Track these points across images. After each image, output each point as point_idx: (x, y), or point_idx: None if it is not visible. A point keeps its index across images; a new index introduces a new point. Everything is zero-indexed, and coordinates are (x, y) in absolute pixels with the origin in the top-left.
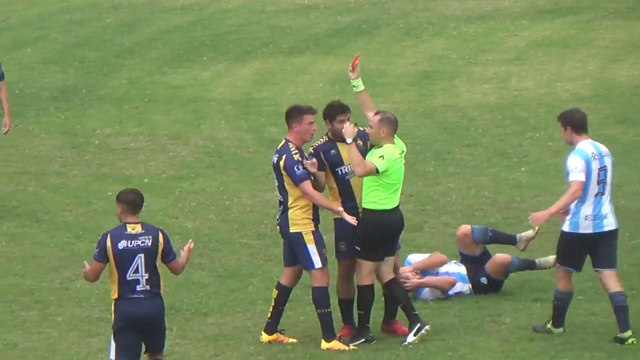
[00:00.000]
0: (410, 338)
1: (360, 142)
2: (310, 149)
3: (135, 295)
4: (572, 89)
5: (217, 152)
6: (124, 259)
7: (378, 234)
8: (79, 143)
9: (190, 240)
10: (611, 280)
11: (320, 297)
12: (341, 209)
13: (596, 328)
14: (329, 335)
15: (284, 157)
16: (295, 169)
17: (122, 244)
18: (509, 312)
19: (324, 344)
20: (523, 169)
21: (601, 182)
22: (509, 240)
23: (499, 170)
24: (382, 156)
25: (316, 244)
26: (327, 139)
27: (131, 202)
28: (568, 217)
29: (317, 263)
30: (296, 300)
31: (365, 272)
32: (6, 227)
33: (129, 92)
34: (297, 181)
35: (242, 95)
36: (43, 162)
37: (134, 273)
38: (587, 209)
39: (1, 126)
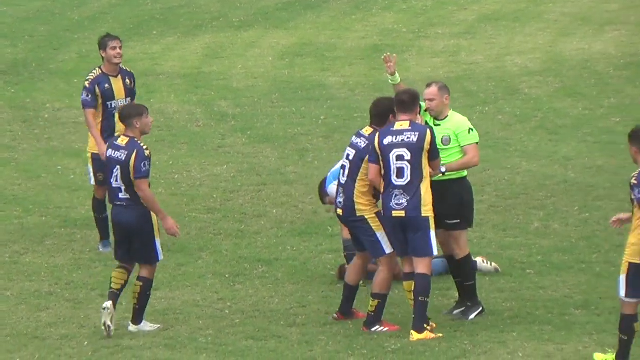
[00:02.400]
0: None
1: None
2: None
3: (117, 203)
4: (522, 63)
5: (167, 126)
6: (109, 166)
7: (474, 198)
8: (28, 117)
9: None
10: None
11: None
12: None
13: (545, 302)
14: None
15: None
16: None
17: (109, 152)
18: None
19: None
20: None
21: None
22: None
23: None
24: (470, 129)
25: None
26: None
27: (119, 114)
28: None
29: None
30: (244, 275)
31: (465, 242)
32: None
33: (79, 66)
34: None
35: (192, 69)
36: None
37: (115, 182)
38: None
39: None
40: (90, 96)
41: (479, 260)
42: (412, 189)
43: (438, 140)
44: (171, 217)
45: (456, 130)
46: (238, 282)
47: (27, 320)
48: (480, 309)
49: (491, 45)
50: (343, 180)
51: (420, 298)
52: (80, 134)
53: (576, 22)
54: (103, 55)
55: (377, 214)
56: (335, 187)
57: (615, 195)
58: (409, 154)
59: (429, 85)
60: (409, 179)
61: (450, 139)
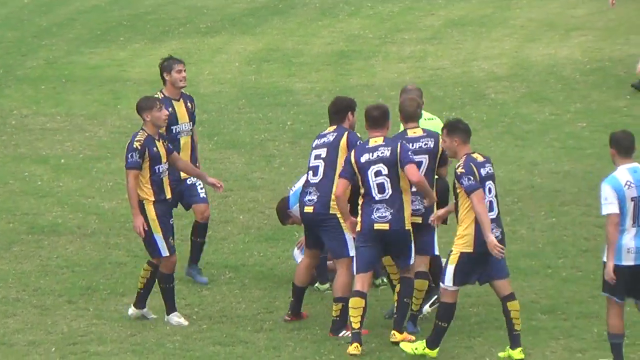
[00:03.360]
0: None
1: None
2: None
3: None
4: (488, 68)
5: (134, 132)
6: None
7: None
8: None
9: None
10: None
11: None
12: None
13: (570, 308)
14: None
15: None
16: None
17: None
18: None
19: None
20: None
21: None
22: None
23: None
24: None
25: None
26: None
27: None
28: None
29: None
30: (211, 280)
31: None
32: None
33: (46, 73)
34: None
35: (159, 75)
36: None
37: None
38: None
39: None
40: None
41: None
42: (394, 201)
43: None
44: (142, 219)
45: None
46: (205, 288)
47: None
48: (436, 296)
49: (457, 51)
50: (315, 180)
51: (405, 300)
52: (47, 140)
53: (542, 27)
54: (167, 78)
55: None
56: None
57: (582, 200)
58: (386, 168)
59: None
60: (390, 192)
61: None
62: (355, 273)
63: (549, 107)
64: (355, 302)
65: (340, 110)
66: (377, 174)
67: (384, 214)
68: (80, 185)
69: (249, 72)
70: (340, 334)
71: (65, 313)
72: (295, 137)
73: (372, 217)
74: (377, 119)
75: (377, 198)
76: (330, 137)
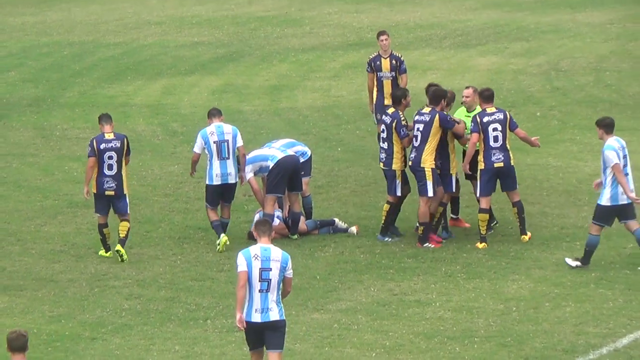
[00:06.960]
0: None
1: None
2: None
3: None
4: None
5: (138, 140)
6: None
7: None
8: (46, 134)
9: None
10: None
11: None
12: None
13: (388, 254)
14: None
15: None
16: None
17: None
18: (337, 242)
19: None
20: (339, 149)
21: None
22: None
23: (323, 150)
24: None
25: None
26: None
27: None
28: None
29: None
30: (189, 237)
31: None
32: None
33: (79, 101)
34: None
35: (154, 102)
36: (22, 147)
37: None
38: None
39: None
40: None
41: (337, 220)
42: (504, 149)
43: (469, 125)
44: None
45: None
46: (185, 243)
47: (46, 269)
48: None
49: (351, 84)
50: (416, 144)
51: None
52: (80, 145)
53: (409, 68)
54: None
55: (433, 169)
56: (252, 174)
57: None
58: (500, 126)
59: (467, 88)
60: (501, 142)
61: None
62: (485, 196)
63: None
64: (483, 217)
65: (437, 97)
66: (494, 129)
67: (499, 156)
68: None
69: (213, 100)
70: (425, 245)
71: (92, 260)
72: (245, 142)
73: (492, 159)
74: (490, 96)
75: (493, 146)
76: (427, 117)
